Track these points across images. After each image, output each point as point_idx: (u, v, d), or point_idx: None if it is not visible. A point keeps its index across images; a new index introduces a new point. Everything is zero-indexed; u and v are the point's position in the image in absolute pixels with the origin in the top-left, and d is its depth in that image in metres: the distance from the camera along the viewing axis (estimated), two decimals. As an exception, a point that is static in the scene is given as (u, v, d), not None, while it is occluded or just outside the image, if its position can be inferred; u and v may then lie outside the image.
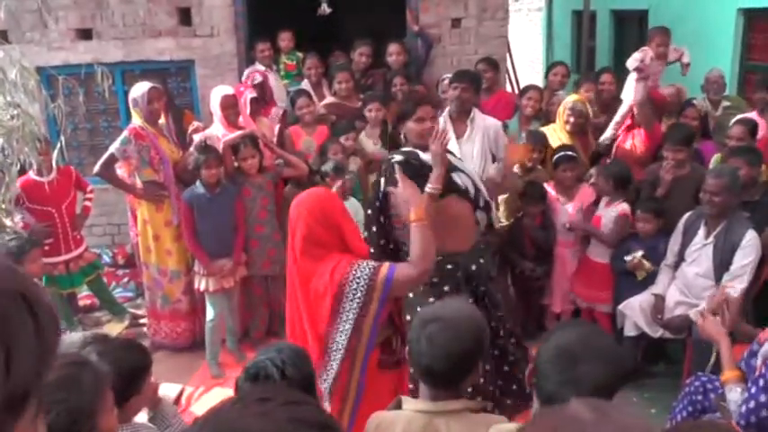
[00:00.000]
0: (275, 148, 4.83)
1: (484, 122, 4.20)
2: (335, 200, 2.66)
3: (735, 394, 2.54)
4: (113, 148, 4.48)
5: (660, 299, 4.02)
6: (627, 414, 0.81)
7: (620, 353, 1.62)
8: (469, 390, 2.86)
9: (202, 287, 4.44)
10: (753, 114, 4.94)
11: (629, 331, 4.12)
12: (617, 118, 4.92)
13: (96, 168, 4.57)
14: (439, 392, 1.78)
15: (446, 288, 3.20)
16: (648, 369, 4.27)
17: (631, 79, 4.91)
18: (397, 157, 3.13)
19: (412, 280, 2.47)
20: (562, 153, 4.50)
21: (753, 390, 2.38)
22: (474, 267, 3.26)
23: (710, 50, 7.09)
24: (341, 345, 2.43)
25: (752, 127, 4.54)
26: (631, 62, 4.87)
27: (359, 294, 2.37)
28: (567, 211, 4.48)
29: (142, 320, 5.20)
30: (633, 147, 4.80)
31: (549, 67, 6.09)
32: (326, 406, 2.55)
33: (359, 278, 2.38)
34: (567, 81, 5.76)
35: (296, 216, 2.56)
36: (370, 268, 2.40)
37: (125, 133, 4.50)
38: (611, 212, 4.37)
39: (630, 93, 4.86)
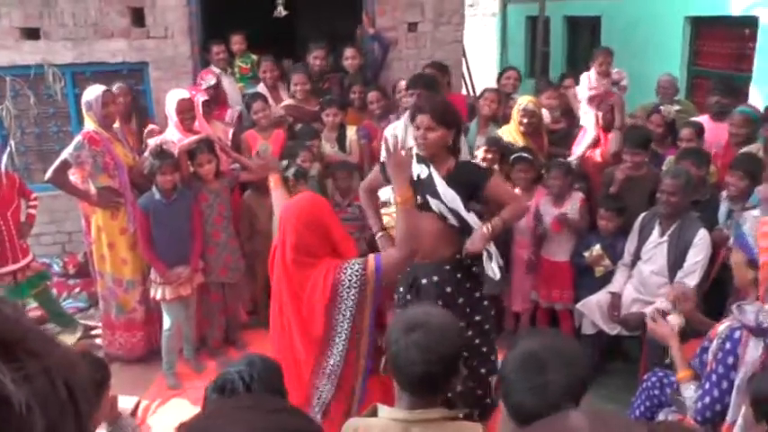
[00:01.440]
0: (231, 153, 4.81)
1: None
2: (324, 204, 2.69)
3: (689, 392, 2.62)
4: (66, 153, 4.37)
5: (617, 297, 4.14)
6: (626, 421, 0.79)
7: (586, 357, 1.61)
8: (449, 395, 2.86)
9: (159, 296, 4.37)
10: (704, 118, 5.14)
11: (587, 329, 4.23)
12: (584, 146, 5.12)
13: (48, 174, 4.44)
14: (418, 400, 1.78)
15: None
16: (606, 366, 4.38)
17: (586, 108, 5.21)
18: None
19: (399, 263, 2.59)
20: (518, 154, 4.56)
21: (706, 386, 2.46)
22: (424, 281, 3.31)
23: (661, 56, 7.37)
24: (341, 347, 2.51)
25: (699, 129, 4.76)
26: (582, 92, 5.19)
27: (353, 292, 2.47)
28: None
29: (95, 332, 5.09)
30: (603, 154, 4.97)
31: (501, 72, 6.18)
32: (318, 417, 2.57)
33: (350, 276, 2.48)
34: (518, 85, 5.85)
35: (285, 223, 2.57)
36: (358, 264, 2.50)
37: (78, 138, 4.39)
38: (574, 205, 4.48)
39: (588, 121, 5.17)
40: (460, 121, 3.36)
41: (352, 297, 2.46)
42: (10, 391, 0.50)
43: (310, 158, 4.69)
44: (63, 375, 0.56)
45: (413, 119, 3.25)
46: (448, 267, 3.33)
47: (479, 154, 4.57)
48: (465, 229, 3.31)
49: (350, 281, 2.47)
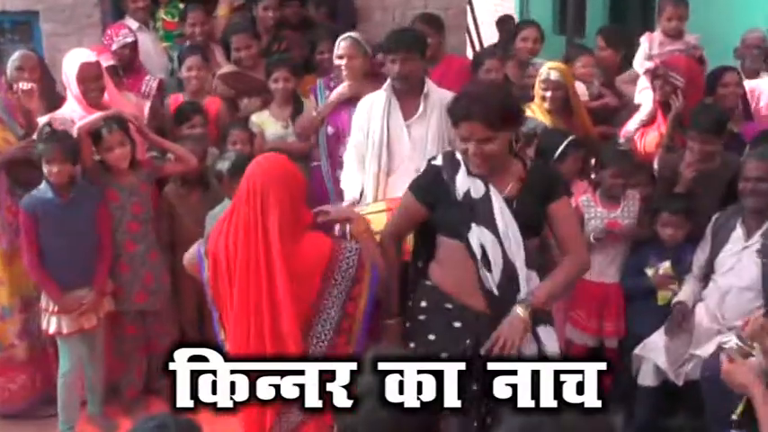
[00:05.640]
0: (151, 135, 4.57)
1: (440, 97, 4.10)
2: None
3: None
4: None
5: (684, 305, 4.03)
6: None
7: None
8: None
9: (52, 329, 4.16)
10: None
11: (646, 380, 4.06)
12: (641, 117, 4.93)
13: None
14: None
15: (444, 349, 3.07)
16: (664, 422, 4.19)
17: (643, 84, 5.07)
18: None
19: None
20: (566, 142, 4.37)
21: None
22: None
23: (744, 7, 7.11)
24: (331, 323, 3.03)
25: None
26: (638, 64, 5.15)
27: (352, 260, 3.02)
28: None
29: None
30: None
31: (516, 29, 5.99)
32: None
33: (349, 249, 3.04)
34: (539, 48, 5.65)
35: (263, 190, 2.89)
36: (354, 246, 3.09)
37: None
38: (630, 207, 4.38)
39: (645, 96, 4.99)
40: (522, 112, 3.18)
41: (350, 272, 3.01)
42: None
43: (244, 139, 4.61)
44: None
45: (454, 124, 3.01)
46: (479, 319, 3.08)
47: None
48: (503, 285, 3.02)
49: (348, 254, 3.02)
